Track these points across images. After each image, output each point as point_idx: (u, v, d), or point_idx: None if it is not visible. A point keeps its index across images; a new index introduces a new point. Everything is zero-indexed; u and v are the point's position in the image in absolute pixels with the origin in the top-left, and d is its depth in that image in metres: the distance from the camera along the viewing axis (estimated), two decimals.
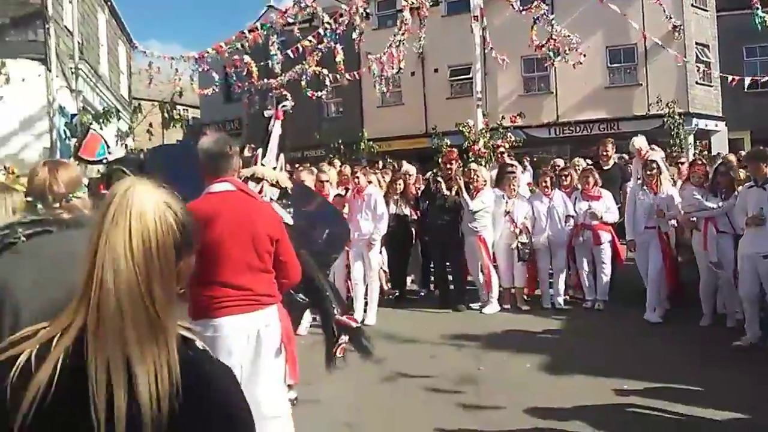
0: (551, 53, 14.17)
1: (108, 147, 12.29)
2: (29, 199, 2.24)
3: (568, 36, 13.98)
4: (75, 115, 12.78)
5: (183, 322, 1.26)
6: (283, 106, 5.38)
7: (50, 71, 12.17)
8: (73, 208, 2.25)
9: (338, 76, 14.63)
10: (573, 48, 14.14)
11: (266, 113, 4.87)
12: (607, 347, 6.48)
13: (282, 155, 4.80)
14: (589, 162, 9.96)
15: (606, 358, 6.01)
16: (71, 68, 13.45)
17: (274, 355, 3.27)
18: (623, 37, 21.81)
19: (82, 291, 1.15)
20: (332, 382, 4.07)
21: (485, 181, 8.38)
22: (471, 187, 8.19)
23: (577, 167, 9.22)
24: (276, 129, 5.40)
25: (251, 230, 3.19)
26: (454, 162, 8.87)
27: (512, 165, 9.58)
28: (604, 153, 9.18)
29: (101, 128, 12.65)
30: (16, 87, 11.73)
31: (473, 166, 9.14)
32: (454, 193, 8.31)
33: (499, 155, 11.64)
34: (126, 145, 15.75)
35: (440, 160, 9.88)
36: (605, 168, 8.98)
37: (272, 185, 4.25)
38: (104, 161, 10.80)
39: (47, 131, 12.11)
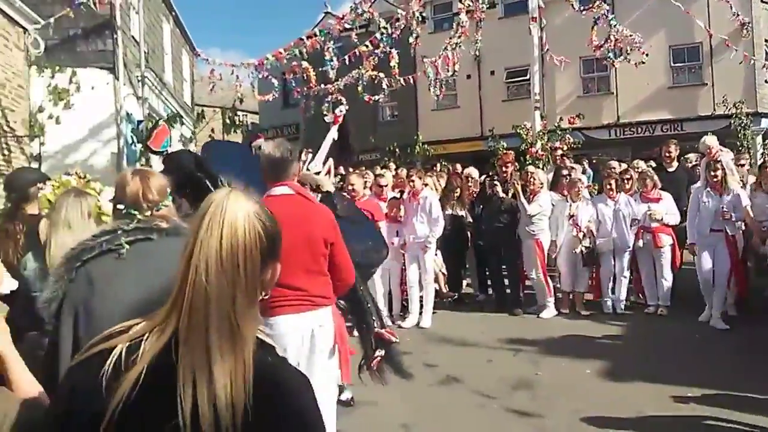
0: (611, 54, 13.85)
1: (171, 141, 12.75)
2: (120, 206, 2.28)
3: (631, 35, 13.64)
4: (141, 121, 13.24)
5: (263, 328, 1.31)
6: (339, 110, 5.47)
7: (118, 79, 12.63)
8: (165, 216, 2.30)
9: (393, 80, 14.65)
10: (635, 47, 13.79)
11: (327, 119, 4.96)
12: (670, 353, 6.30)
13: (330, 159, 4.86)
14: (652, 164, 9.66)
15: (669, 365, 5.86)
16: (138, 76, 13.93)
17: (327, 355, 3.33)
18: (687, 36, 21.12)
19: (176, 294, 1.21)
20: (388, 384, 4.08)
21: (542, 184, 8.27)
22: (528, 190, 8.11)
23: (636, 169, 8.95)
24: (331, 133, 5.49)
25: (307, 233, 3.25)
26: (510, 164, 8.79)
27: (570, 167, 9.42)
28: (667, 154, 8.86)
29: None
30: (85, 95, 12.26)
31: (530, 168, 9.03)
32: (510, 195, 8.24)
33: (557, 157, 11.46)
34: (189, 150, 16.19)
35: (496, 162, 9.80)
36: (669, 170, 8.70)
37: (313, 190, 4.30)
38: (164, 153, 11.17)
39: (115, 137, 12.56)
